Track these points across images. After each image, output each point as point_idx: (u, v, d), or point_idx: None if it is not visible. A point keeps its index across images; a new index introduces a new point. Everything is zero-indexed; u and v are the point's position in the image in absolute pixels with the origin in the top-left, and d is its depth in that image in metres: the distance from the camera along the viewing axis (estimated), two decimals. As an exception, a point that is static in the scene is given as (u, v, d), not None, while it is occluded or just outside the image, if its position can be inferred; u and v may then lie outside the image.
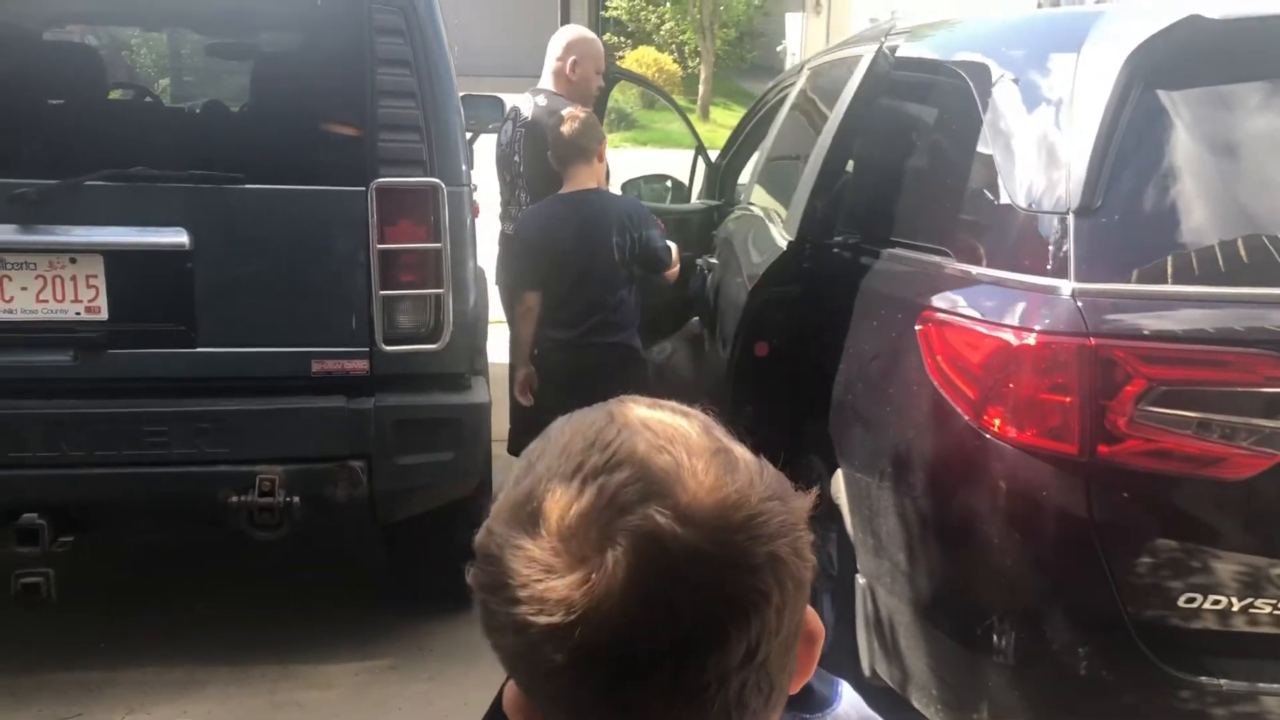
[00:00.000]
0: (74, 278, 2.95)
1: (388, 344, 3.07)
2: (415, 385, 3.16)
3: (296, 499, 3.00)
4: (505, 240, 4.37)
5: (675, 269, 3.96)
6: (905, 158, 3.06)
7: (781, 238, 3.19)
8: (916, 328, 2.48)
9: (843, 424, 2.75)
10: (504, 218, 4.45)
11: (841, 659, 2.91)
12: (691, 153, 5.77)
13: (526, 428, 4.34)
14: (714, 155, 5.72)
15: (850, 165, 3.17)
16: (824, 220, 2.98)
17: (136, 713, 3.09)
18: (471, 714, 3.34)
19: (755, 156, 4.60)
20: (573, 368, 3.76)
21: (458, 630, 3.62)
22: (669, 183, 5.72)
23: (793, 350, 3.11)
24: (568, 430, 0.76)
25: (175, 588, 3.80)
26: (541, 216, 3.82)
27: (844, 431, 2.75)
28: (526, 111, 4.32)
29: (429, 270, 3.10)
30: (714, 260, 4.36)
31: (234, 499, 2.97)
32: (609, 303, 3.70)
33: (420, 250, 3.09)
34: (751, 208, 4.20)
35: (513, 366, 4.00)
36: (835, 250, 3.05)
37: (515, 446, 4.42)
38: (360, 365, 3.11)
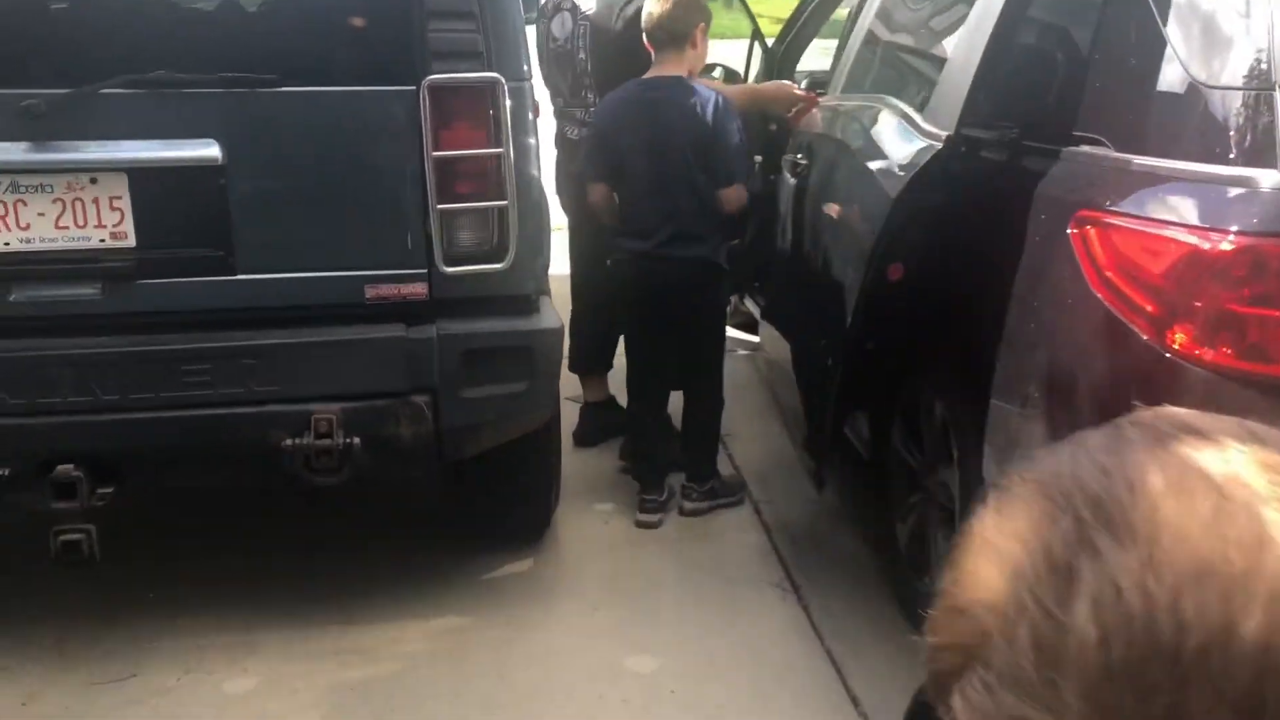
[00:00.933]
0: (95, 200, 2.61)
1: (448, 264, 2.74)
2: (480, 310, 2.83)
3: (356, 440, 2.70)
4: (567, 144, 4.00)
5: (739, 196, 3.43)
6: (1068, 36, 2.62)
7: (924, 138, 2.63)
8: (1070, 231, 2.12)
9: (982, 349, 2.41)
10: (564, 118, 4.07)
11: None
12: (745, 43, 5.33)
13: (593, 345, 4.02)
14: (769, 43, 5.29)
15: (1005, 49, 2.62)
16: (983, 112, 2.49)
17: (194, 671, 2.84)
18: (555, 660, 3.13)
19: (845, 43, 3.91)
20: (646, 284, 3.43)
21: (534, 571, 3.36)
22: (717, 71, 5.27)
23: (935, 270, 2.61)
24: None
25: (226, 538, 3.53)
26: (616, 103, 3.47)
27: (983, 356, 2.41)
28: (586, 3, 3.90)
29: (490, 179, 2.75)
30: (799, 159, 3.72)
31: (288, 442, 2.67)
32: (687, 210, 3.35)
33: (480, 157, 2.73)
34: (850, 101, 3.57)
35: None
36: (994, 147, 2.55)
37: (579, 364, 4.11)
38: (419, 289, 2.78)
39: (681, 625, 3.09)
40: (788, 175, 3.71)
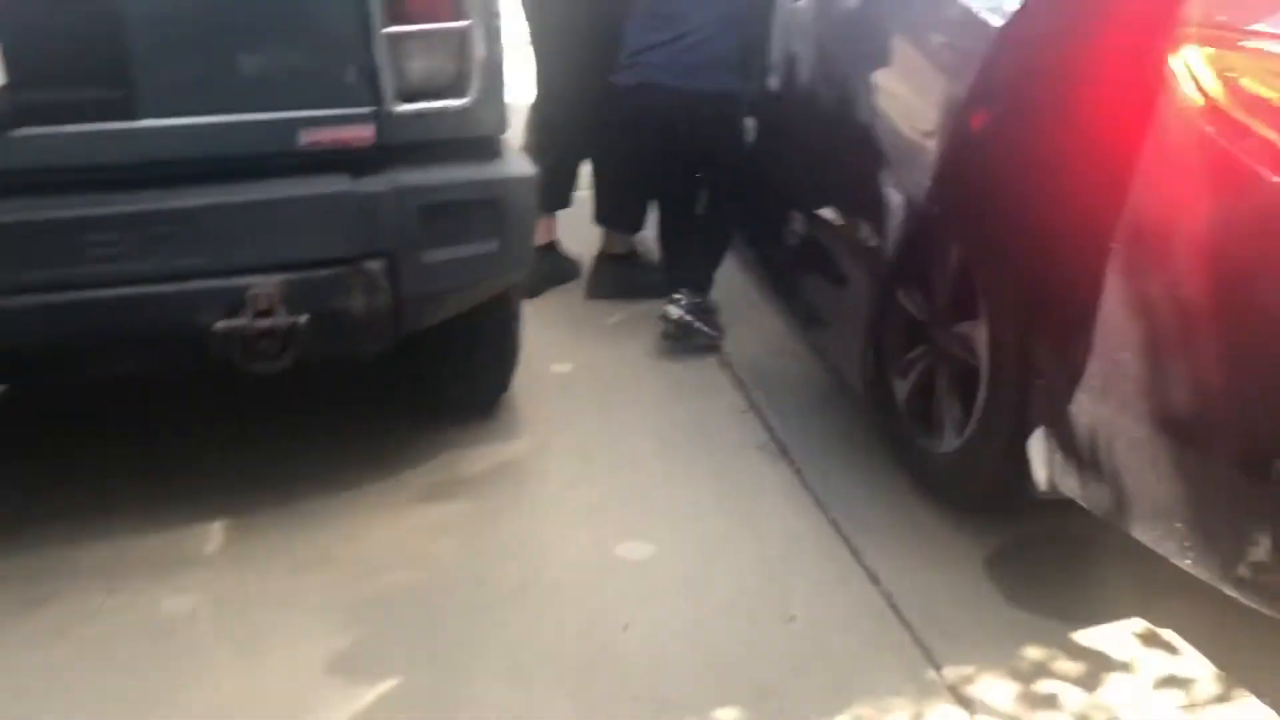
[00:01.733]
0: (-53, 27, 2.06)
1: (399, 101, 2.27)
2: (438, 156, 2.39)
3: (302, 318, 2.28)
4: None
5: None
6: None
7: None
8: (1172, 58, 1.79)
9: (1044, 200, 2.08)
10: None
11: (988, 465, 2.43)
12: None
13: (550, 182, 3.59)
14: None
15: None
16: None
17: (118, 592, 2.44)
18: (535, 552, 2.81)
19: None
20: (658, 117, 3.11)
21: (495, 449, 3.01)
22: None
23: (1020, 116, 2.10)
24: None
25: (147, 432, 3.08)
26: None
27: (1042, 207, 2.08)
28: None
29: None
30: None
31: (221, 324, 2.23)
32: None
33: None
34: None
35: None
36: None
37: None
38: (364, 133, 2.32)
39: (670, 502, 2.80)
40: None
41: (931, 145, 2.07)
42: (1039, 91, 1.94)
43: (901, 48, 2.20)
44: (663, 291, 3.66)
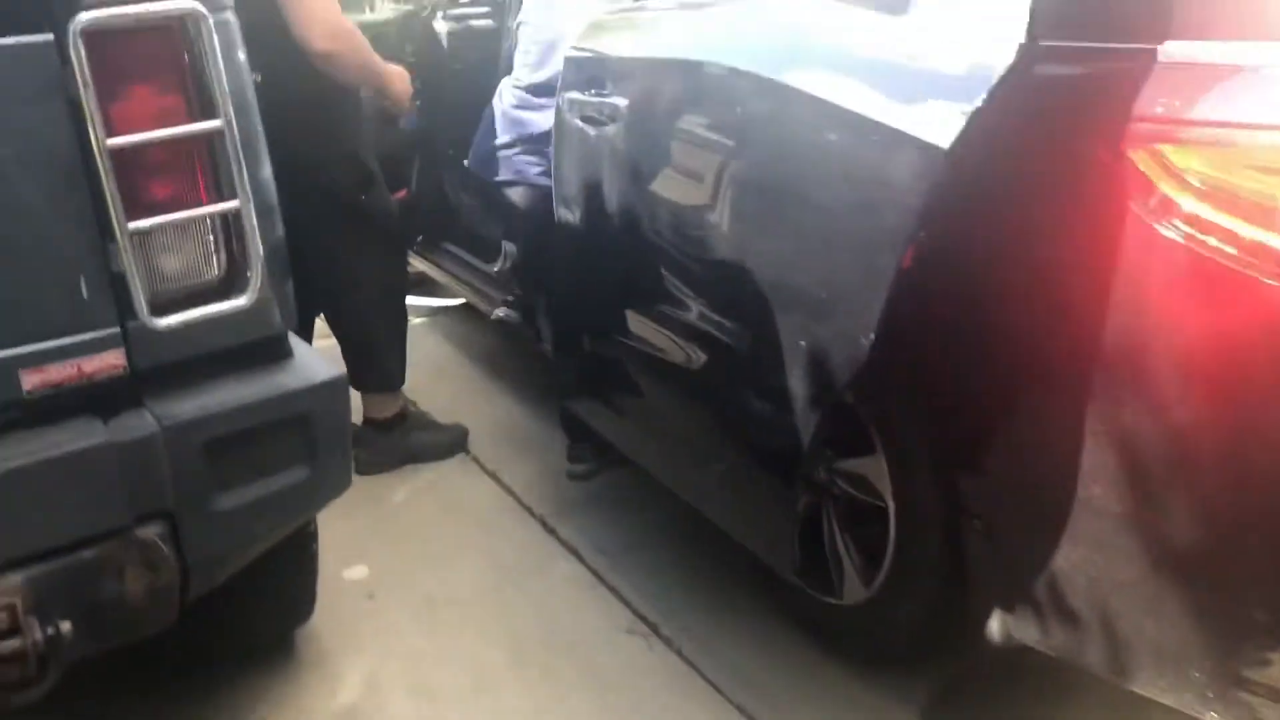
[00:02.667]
0: None
1: (157, 313, 1.72)
2: (216, 370, 1.84)
3: (64, 625, 1.66)
4: None
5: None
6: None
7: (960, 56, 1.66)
8: (1133, 155, 1.57)
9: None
10: None
11: (908, 615, 2.14)
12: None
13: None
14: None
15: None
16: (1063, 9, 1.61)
17: None
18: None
19: None
20: None
21: (318, 705, 2.42)
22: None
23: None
24: None
25: None
26: None
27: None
28: None
29: (206, 169, 1.74)
30: (601, 98, 2.52)
31: (-59, 663, 1.57)
32: None
33: (184, 137, 1.71)
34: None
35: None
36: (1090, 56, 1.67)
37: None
38: (112, 360, 1.74)
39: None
40: (575, 121, 2.61)
41: (848, 287, 1.72)
42: (987, 213, 1.67)
43: (786, 180, 1.85)
44: (446, 451, 3.38)
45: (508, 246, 3.81)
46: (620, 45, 2.50)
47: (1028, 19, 1.58)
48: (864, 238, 1.72)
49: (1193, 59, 1.59)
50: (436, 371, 4.18)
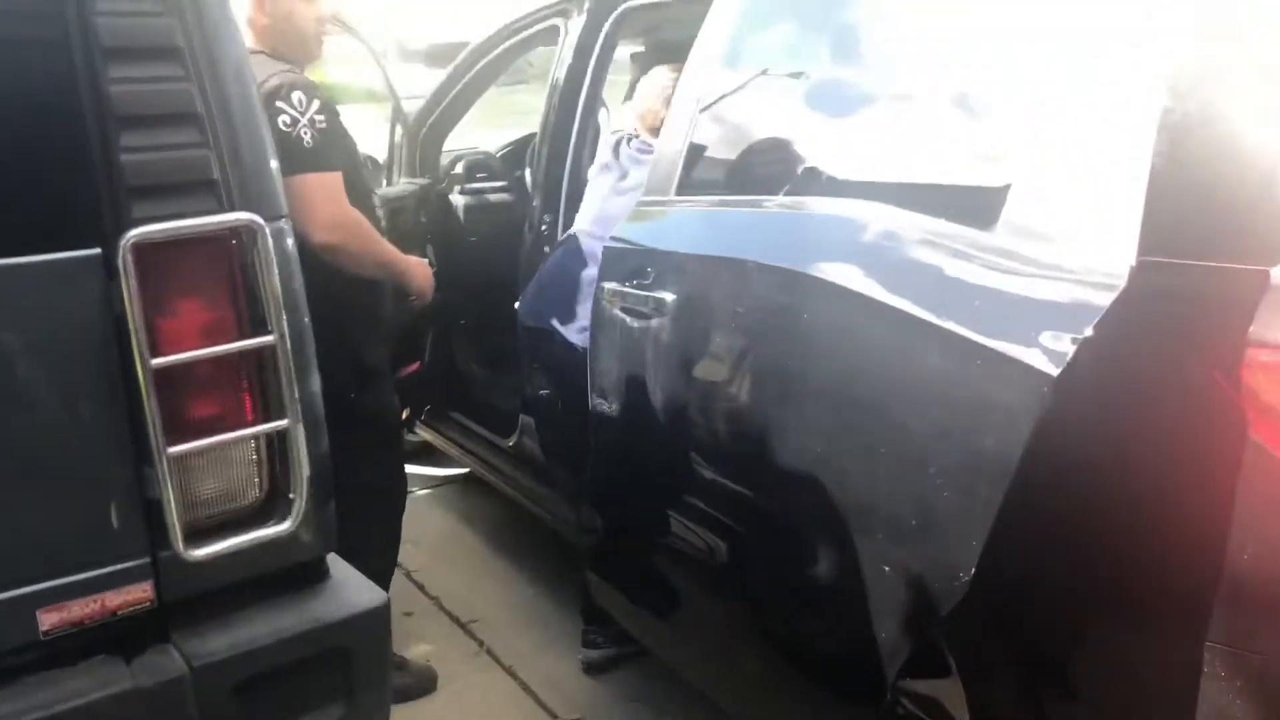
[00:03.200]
0: None
1: (192, 544, 1.57)
2: (248, 599, 1.68)
3: None
4: None
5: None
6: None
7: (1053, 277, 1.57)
8: (1246, 382, 1.48)
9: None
10: None
11: None
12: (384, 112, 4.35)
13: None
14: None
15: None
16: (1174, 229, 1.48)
17: None
18: None
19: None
20: None
21: None
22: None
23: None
24: None
25: None
26: None
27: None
28: None
29: (255, 385, 1.62)
30: (642, 290, 2.38)
31: None
32: None
33: (232, 357, 1.60)
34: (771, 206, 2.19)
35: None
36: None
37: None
38: (140, 593, 1.58)
39: None
40: (615, 312, 2.48)
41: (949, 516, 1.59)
42: (1100, 441, 1.55)
43: (886, 399, 1.74)
44: (407, 695, 2.97)
45: (525, 420, 3.69)
46: (670, 237, 2.42)
47: (1138, 236, 1.50)
48: (962, 466, 1.61)
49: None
50: (443, 549, 4.01)
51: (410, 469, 3.49)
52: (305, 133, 2.56)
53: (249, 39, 2.73)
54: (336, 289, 2.66)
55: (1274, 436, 1.48)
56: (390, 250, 2.87)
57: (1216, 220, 1.55)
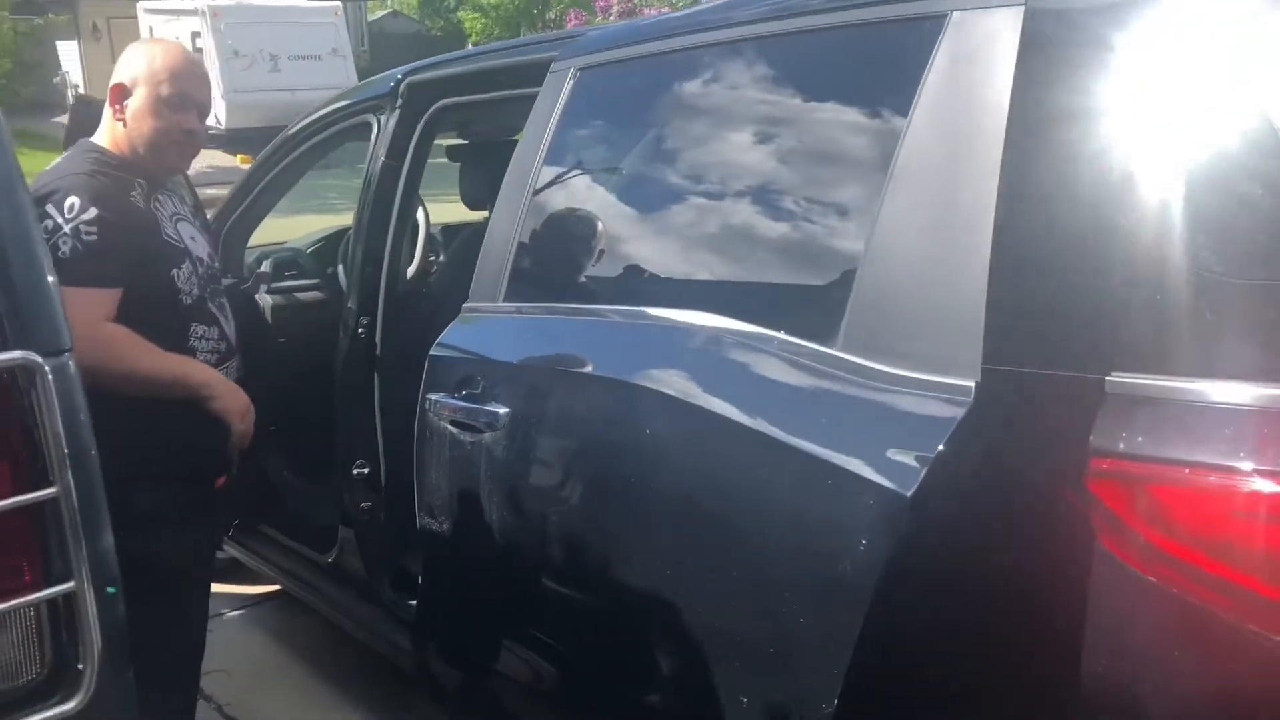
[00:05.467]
0: None
1: (-41, 732, 1.35)
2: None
3: None
4: None
5: None
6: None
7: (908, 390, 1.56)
8: (1091, 492, 1.47)
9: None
10: None
11: None
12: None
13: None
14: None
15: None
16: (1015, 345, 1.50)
17: None
18: None
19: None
20: None
21: None
22: None
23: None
24: None
25: None
26: None
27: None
28: None
29: (33, 550, 1.43)
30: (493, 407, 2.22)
31: None
32: None
33: (8, 514, 1.40)
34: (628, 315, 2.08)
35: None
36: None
37: None
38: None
39: None
40: (444, 425, 2.32)
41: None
42: (958, 561, 1.51)
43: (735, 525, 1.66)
44: None
45: (344, 534, 3.47)
46: (501, 346, 2.32)
47: (981, 347, 1.49)
48: (819, 590, 1.54)
49: (1139, 392, 1.52)
50: (260, 677, 3.71)
51: (218, 588, 3.22)
52: (64, 243, 2.32)
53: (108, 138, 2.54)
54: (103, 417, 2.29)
55: (1120, 546, 1.48)
56: (171, 368, 2.56)
57: (1056, 326, 1.55)
